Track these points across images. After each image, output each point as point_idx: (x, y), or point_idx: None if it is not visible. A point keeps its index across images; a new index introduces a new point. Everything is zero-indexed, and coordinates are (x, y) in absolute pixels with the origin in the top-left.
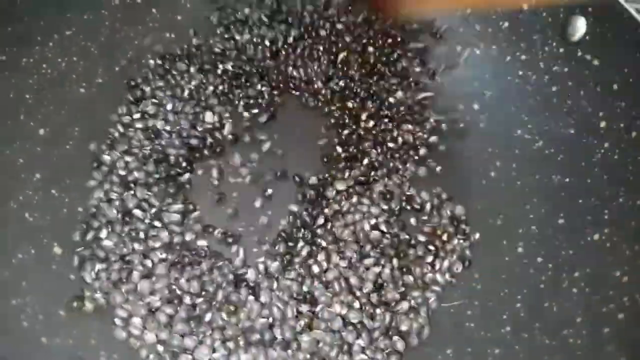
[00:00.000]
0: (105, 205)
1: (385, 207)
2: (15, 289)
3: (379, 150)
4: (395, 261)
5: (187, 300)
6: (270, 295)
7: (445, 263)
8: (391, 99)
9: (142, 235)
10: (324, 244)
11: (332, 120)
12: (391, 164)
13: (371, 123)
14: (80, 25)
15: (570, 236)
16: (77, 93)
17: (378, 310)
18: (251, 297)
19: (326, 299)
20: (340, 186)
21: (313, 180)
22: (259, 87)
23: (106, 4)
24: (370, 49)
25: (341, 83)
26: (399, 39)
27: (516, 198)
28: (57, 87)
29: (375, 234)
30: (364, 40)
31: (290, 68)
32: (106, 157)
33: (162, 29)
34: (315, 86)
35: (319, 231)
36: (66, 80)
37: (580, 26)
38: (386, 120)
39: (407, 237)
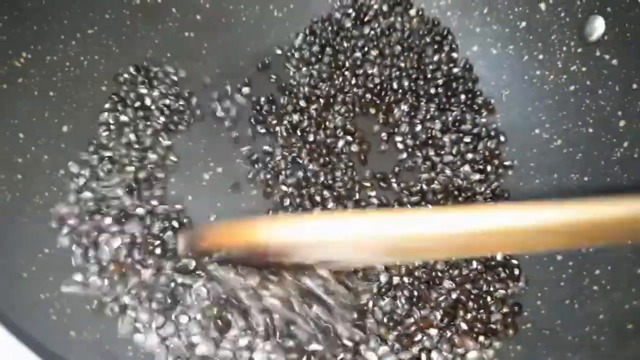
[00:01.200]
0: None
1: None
2: (43, 284)
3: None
4: None
5: None
6: None
7: None
8: None
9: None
10: None
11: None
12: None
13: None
14: (102, 24)
15: None
16: (100, 91)
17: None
18: None
19: None
20: None
21: None
22: None
23: (127, 4)
24: None
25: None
26: None
27: (534, 197)
28: (80, 85)
29: None
30: None
31: None
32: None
33: (183, 29)
34: None
35: None
36: (89, 78)
37: (598, 26)
38: None
39: None
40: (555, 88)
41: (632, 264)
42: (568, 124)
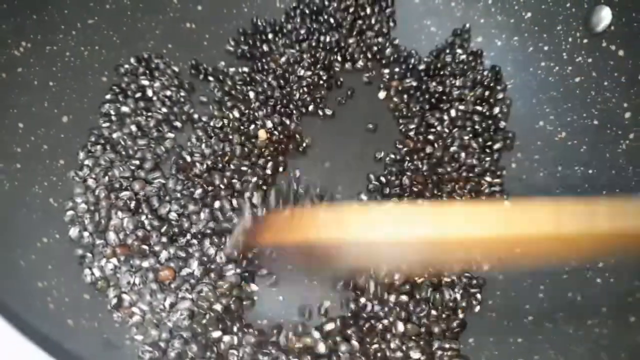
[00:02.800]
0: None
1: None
2: (41, 272)
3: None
4: None
5: None
6: None
7: None
8: None
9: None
10: None
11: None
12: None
13: None
14: (103, 15)
15: None
16: (100, 81)
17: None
18: None
19: None
20: None
21: None
22: None
23: None
24: None
25: None
26: None
27: (538, 190)
28: (80, 76)
29: None
30: None
31: None
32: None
33: (184, 19)
34: None
35: None
36: (89, 69)
37: (604, 16)
38: None
39: None
40: (561, 80)
41: (636, 257)
42: (573, 115)
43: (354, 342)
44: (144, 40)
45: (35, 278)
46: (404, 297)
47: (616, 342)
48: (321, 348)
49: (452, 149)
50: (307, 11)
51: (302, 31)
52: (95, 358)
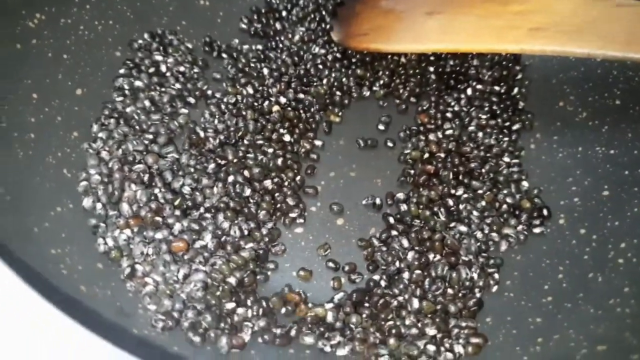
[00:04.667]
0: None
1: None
2: (54, 240)
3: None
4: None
5: None
6: None
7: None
8: None
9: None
10: None
11: None
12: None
13: None
14: None
15: (615, 207)
16: (113, 56)
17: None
18: None
19: None
20: None
21: None
22: None
23: None
24: None
25: None
26: None
27: (557, 171)
28: (93, 49)
29: None
30: None
31: None
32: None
33: None
34: None
35: None
36: (103, 43)
37: None
38: None
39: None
40: (581, 59)
41: None
42: (594, 95)
43: (365, 314)
44: (158, 16)
45: (48, 245)
46: (418, 273)
47: (638, 321)
48: (330, 317)
49: (470, 128)
50: None
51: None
52: (108, 324)
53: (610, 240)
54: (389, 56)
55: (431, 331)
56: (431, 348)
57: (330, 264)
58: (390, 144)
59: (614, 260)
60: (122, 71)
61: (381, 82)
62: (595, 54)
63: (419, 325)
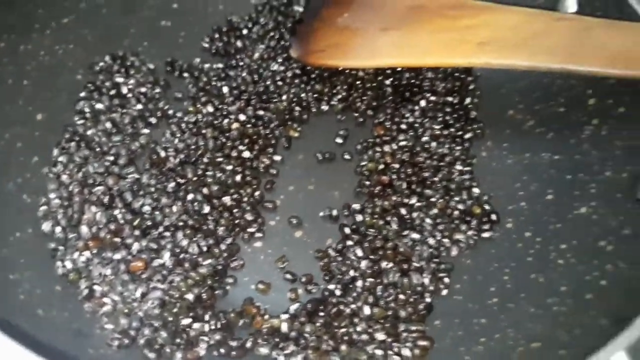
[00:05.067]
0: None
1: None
2: (13, 265)
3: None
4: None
5: None
6: None
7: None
8: None
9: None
10: None
11: None
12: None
13: None
14: (77, 14)
15: (558, 210)
16: (75, 80)
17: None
18: None
19: None
20: None
21: None
22: None
23: None
24: None
25: None
26: None
27: (506, 177)
28: (54, 74)
29: None
30: None
31: None
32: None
33: (159, 18)
34: None
35: None
36: (64, 67)
37: (570, 4)
38: None
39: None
40: (528, 70)
41: (596, 237)
42: (540, 104)
43: (319, 323)
44: (119, 39)
45: (6, 271)
46: (371, 281)
47: (572, 319)
48: (284, 327)
49: (424, 138)
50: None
51: (270, 25)
52: (64, 346)
53: (552, 242)
54: (347, 71)
55: (381, 336)
56: (379, 352)
57: (288, 276)
58: (347, 157)
59: (555, 261)
60: (83, 94)
61: (339, 96)
62: (537, 67)
63: (370, 331)
